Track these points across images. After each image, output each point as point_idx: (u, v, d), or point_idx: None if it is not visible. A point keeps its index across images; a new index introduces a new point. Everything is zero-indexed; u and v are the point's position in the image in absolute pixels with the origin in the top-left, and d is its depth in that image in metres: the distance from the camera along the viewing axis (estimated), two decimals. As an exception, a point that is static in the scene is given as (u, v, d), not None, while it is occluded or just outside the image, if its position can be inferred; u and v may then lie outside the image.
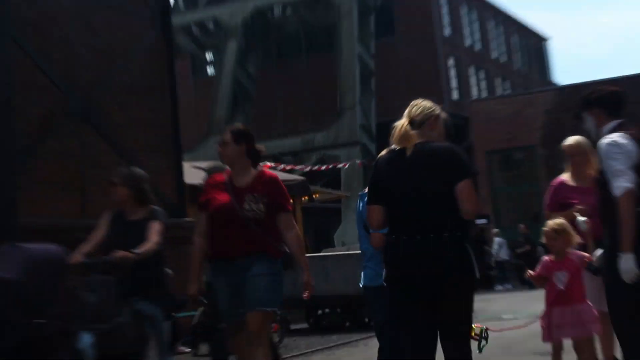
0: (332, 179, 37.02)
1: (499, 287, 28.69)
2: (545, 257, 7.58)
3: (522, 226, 31.07)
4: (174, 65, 16.55)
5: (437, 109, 5.85)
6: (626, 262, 5.57)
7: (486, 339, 7.25)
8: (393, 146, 5.70)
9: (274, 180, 7.04)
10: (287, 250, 6.99)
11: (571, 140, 8.25)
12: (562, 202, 7.94)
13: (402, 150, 5.61)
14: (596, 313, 7.37)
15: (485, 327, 7.34)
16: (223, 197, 6.90)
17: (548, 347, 9.45)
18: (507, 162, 37.46)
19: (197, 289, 6.97)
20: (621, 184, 5.59)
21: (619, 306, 5.83)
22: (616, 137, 5.82)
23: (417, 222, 5.48)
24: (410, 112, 5.77)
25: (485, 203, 36.92)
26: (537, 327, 7.40)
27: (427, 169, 5.51)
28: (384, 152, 5.82)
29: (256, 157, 7.13)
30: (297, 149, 41.36)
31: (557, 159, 33.96)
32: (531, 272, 7.64)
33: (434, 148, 5.57)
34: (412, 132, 5.61)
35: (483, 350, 7.35)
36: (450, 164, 5.50)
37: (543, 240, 7.73)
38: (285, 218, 6.97)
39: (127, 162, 14.91)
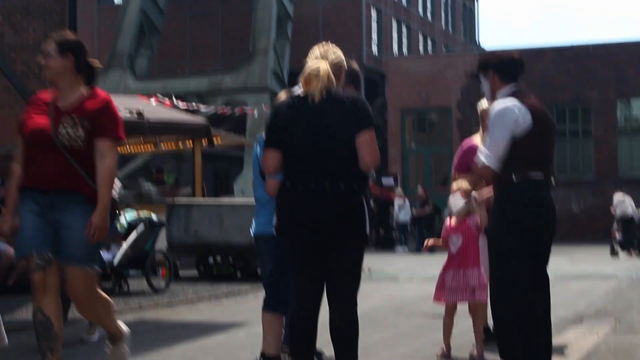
0: (237, 124, 36.95)
1: (399, 249, 29.16)
2: (447, 220, 7.86)
3: (420, 188, 31.67)
4: (74, -12, 16.29)
5: (345, 62, 5.97)
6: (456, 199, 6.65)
7: None
8: (296, 90, 5.77)
9: (103, 101, 6.00)
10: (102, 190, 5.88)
11: (485, 102, 8.47)
12: (471, 164, 8.16)
13: (306, 97, 5.65)
14: (485, 280, 7.66)
15: None
16: (40, 120, 5.94)
17: (440, 310, 9.82)
18: (421, 123, 37.95)
19: (10, 227, 6.00)
20: (481, 158, 6.09)
21: (494, 266, 6.25)
22: (507, 103, 6.11)
23: (314, 170, 5.55)
24: (326, 55, 5.82)
25: (395, 163, 37.46)
26: (429, 289, 7.65)
27: (332, 117, 5.57)
28: (282, 95, 5.88)
29: (89, 74, 6.14)
30: (203, 91, 41.03)
31: (472, 123, 34.78)
32: (430, 239, 7.93)
33: (341, 96, 5.63)
34: (331, 77, 5.64)
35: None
36: (355, 113, 5.56)
37: (450, 200, 7.96)
38: (103, 144, 5.86)
39: (17, 87, 14.77)
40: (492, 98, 6.35)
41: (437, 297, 7.77)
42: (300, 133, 5.60)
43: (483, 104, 8.47)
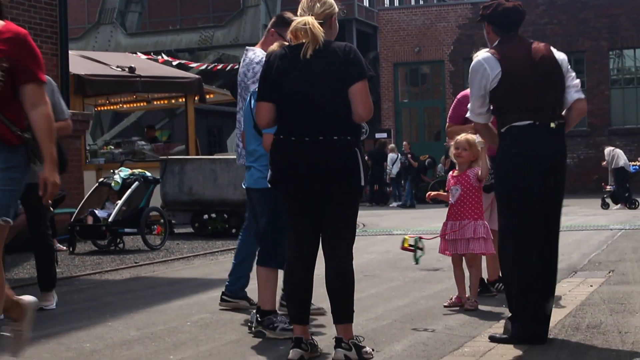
0: (229, 80, 36.78)
1: (393, 204, 29.23)
2: (451, 172, 7.95)
3: (405, 144, 31.75)
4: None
5: (336, 7, 5.87)
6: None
7: (422, 249, 7.53)
8: (289, 40, 5.76)
9: (20, 38, 5.24)
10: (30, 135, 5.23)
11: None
12: (465, 116, 8.17)
13: (298, 47, 5.63)
14: (485, 232, 7.77)
15: (419, 237, 7.58)
16: None
17: (434, 264, 9.91)
18: (413, 77, 37.88)
19: None
20: (469, 112, 6.31)
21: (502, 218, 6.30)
22: (479, 56, 6.21)
23: (307, 123, 5.57)
24: (313, 7, 5.76)
25: (388, 117, 37.42)
26: (425, 243, 7.68)
27: (324, 69, 5.57)
28: (275, 47, 5.84)
29: None
30: (194, 46, 40.86)
31: (465, 76, 34.58)
32: (430, 193, 8.01)
33: (334, 47, 5.61)
34: (321, 29, 5.60)
35: (419, 261, 7.65)
36: (348, 64, 5.56)
37: (451, 152, 8.01)
38: (31, 91, 5.19)
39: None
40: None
41: (442, 249, 7.88)
42: (293, 85, 5.61)
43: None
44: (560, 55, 6.32)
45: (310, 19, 5.63)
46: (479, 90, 6.16)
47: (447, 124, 8.48)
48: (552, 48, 6.35)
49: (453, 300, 7.78)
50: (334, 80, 5.56)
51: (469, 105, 6.37)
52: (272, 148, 5.77)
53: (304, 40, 5.61)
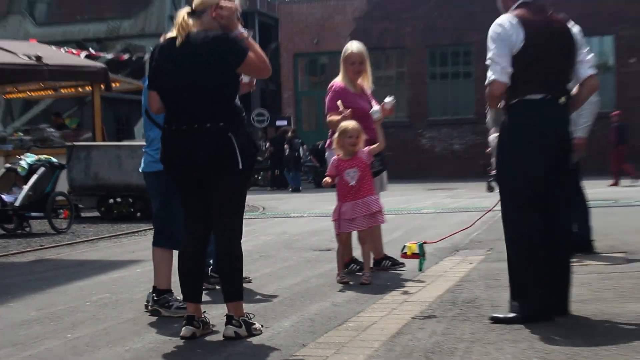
0: (137, 69, 36.42)
1: (290, 188, 29.25)
2: (335, 157, 7.97)
3: (290, 131, 31.90)
4: None
5: None
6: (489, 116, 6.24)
7: (424, 254, 7.53)
8: (170, 34, 5.74)
9: None
10: None
11: (357, 45, 8.53)
12: (343, 105, 8.23)
13: (173, 39, 5.64)
14: (382, 204, 7.98)
15: (422, 242, 7.56)
16: None
17: (326, 244, 9.97)
18: (312, 67, 37.96)
19: None
20: (489, 75, 5.74)
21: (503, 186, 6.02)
22: (502, 20, 5.79)
23: (184, 112, 5.59)
24: (194, 1, 5.75)
25: (288, 106, 37.47)
26: (318, 225, 7.75)
27: (197, 59, 5.55)
28: (162, 39, 5.83)
29: None
30: (102, 36, 40.35)
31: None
32: (326, 180, 7.98)
33: (205, 37, 5.57)
34: (187, 21, 5.61)
35: (423, 268, 7.68)
36: (226, 51, 5.54)
37: (334, 139, 8.04)
38: None
39: None
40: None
41: (339, 229, 7.96)
42: (169, 75, 5.64)
43: (350, 47, 8.51)
44: (576, 29, 5.96)
45: (182, 12, 5.69)
46: (508, 50, 5.69)
47: (328, 114, 8.40)
48: (569, 21, 6.02)
49: (343, 276, 7.91)
50: (202, 68, 5.54)
51: (493, 64, 5.73)
52: (161, 136, 5.80)
53: (177, 34, 5.63)
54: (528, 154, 5.74)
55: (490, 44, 5.76)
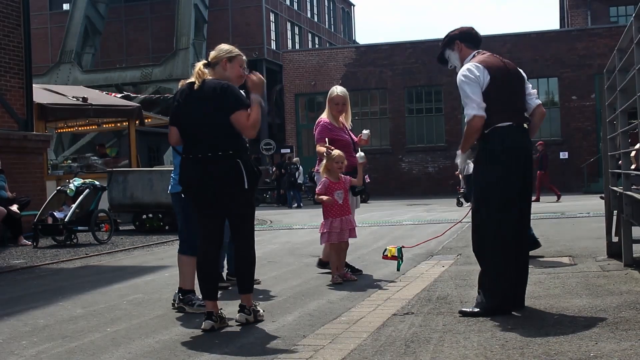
0: (165, 107, 36.45)
1: (294, 205, 29.22)
2: (324, 179, 7.94)
3: (288, 157, 31.84)
4: (28, -3, 15.85)
5: (234, 53, 5.87)
6: (459, 157, 6.04)
7: (402, 257, 7.44)
8: (190, 80, 5.82)
9: None
10: None
11: (340, 90, 8.57)
12: (331, 137, 8.25)
13: (193, 84, 5.73)
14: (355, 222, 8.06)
15: (400, 247, 7.47)
16: None
17: (320, 252, 9.91)
18: (310, 104, 37.95)
19: None
20: (469, 112, 5.67)
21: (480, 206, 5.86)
22: (468, 66, 5.80)
23: (198, 143, 5.63)
24: (210, 54, 5.90)
25: (291, 136, 37.49)
26: (316, 235, 7.69)
27: (207, 101, 5.61)
28: (184, 84, 5.88)
29: None
30: (137, 81, 40.47)
31: (351, 104, 34.53)
32: (322, 197, 7.92)
33: (213, 85, 5.65)
34: (204, 71, 5.74)
35: (400, 268, 7.63)
36: (224, 98, 5.59)
37: (320, 166, 8.02)
38: None
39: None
40: (462, 64, 5.97)
41: (327, 240, 7.92)
42: (188, 113, 5.69)
43: (335, 90, 8.51)
44: (521, 70, 6.03)
45: (199, 64, 5.84)
46: (479, 89, 5.65)
47: (318, 144, 8.32)
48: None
49: (337, 278, 7.86)
50: (215, 110, 5.59)
51: (469, 104, 5.65)
52: (180, 165, 5.86)
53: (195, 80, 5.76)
54: (507, 169, 5.67)
55: (464, 86, 5.71)
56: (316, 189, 8.06)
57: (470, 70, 5.73)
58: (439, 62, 6.41)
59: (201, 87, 5.67)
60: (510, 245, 5.67)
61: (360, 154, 8.19)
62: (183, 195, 5.92)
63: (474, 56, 5.92)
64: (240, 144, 5.67)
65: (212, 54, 5.88)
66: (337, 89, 8.56)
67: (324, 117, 8.49)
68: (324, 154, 7.98)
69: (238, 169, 5.57)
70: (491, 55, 5.93)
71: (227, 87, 5.65)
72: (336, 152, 7.93)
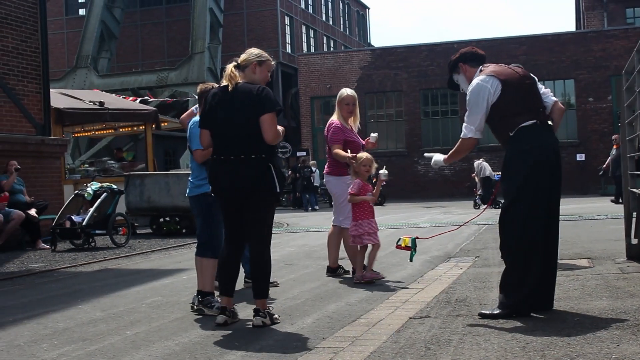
0: (181, 111, 36.54)
1: (309, 208, 29.15)
2: (357, 181, 7.99)
3: (302, 160, 31.79)
4: (44, 2, 15.93)
5: (263, 57, 5.94)
6: (434, 161, 6.43)
7: (415, 248, 7.33)
8: (223, 83, 5.88)
9: None
10: None
11: (350, 91, 8.62)
12: (344, 139, 8.32)
13: (226, 87, 5.80)
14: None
15: (415, 237, 7.40)
16: None
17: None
18: (326, 107, 37.95)
19: None
20: (466, 133, 5.83)
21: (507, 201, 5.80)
22: (478, 80, 5.82)
23: (231, 145, 5.69)
24: (240, 57, 5.95)
25: (307, 139, 37.50)
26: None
27: (241, 104, 5.69)
28: (215, 87, 5.99)
29: None
30: (153, 85, 40.57)
31: (366, 106, 34.59)
32: (355, 195, 7.98)
33: (248, 87, 5.75)
34: (235, 73, 5.81)
35: (413, 259, 7.50)
36: (257, 100, 5.66)
37: (356, 167, 8.03)
38: None
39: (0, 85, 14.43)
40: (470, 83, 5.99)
41: (359, 241, 8.02)
42: (220, 116, 5.75)
43: (345, 92, 8.53)
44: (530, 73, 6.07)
45: (230, 66, 5.88)
46: (483, 108, 5.75)
47: (334, 146, 8.32)
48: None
49: (358, 277, 7.93)
50: (248, 112, 5.65)
51: (468, 125, 5.82)
52: (209, 165, 5.91)
53: (228, 82, 5.82)
54: (536, 166, 5.63)
55: (470, 103, 5.81)
56: (349, 190, 8.08)
57: (479, 85, 5.79)
58: (450, 87, 6.48)
59: (235, 90, 5.75)
60: (537, 245, 5.63)
61: (384, 171, 8.20)
62: (213, 195, 5.95)
63: (480, 71, 5.99)
64: (272, 148, 5.75)
65: (243, 56, 5.95)
66: (347, 90, 8.67)
67: (335, 118, 8.52)
68: (349, 158, 8.02)
69: (269, 173, 5.66)
70: (497, 64, 6.01)
71: (264, 90, 5.72)
72: (363, 154, 8.04)
